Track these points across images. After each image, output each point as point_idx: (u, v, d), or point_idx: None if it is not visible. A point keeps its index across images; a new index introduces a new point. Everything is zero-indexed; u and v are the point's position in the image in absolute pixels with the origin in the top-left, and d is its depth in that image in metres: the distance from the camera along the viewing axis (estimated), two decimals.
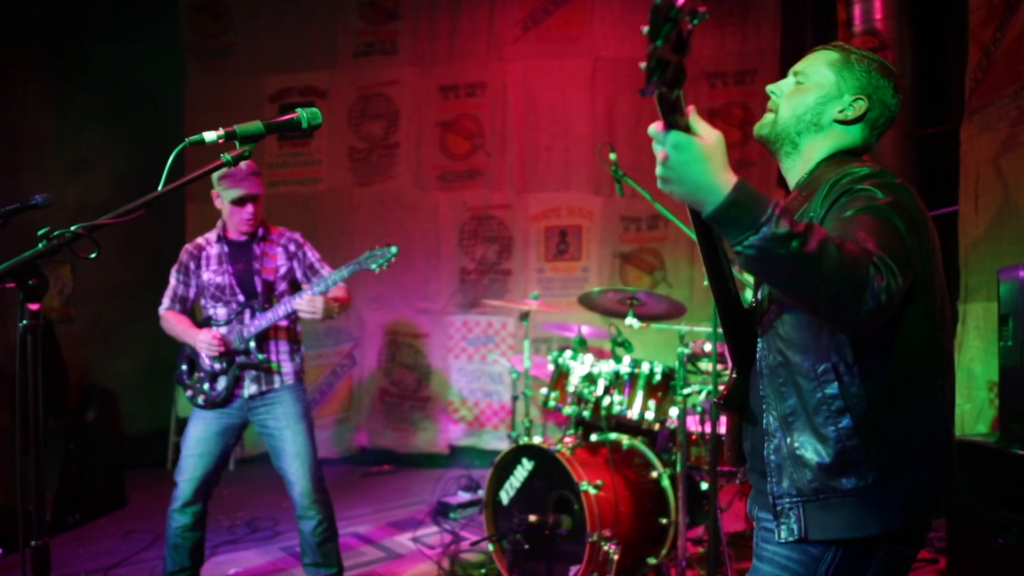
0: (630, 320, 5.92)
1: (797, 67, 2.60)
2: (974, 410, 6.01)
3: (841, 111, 2.51)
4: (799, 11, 8.60)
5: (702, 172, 1.91)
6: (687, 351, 5.70)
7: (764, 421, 2.41)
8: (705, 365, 6.00)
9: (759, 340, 2.46)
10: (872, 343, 2.24)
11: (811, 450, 2.28)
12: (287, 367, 5.15)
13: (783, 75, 2.69)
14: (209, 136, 2.67)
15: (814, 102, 2.53)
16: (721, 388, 2.65)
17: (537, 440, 5.77)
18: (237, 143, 2.74)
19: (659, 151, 1.92)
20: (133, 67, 10.24)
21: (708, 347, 5.74)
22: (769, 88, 2.62)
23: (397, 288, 9.54)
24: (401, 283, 9.51)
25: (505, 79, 9.43)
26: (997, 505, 4.53)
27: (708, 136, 1.93)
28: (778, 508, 2.37)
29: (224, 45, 10.06)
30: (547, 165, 9.35)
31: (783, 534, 2.36)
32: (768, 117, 2.60)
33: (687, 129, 1.90)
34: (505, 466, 5.82)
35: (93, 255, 2.48)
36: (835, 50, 2.58)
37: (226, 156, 2.76)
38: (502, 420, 9.29)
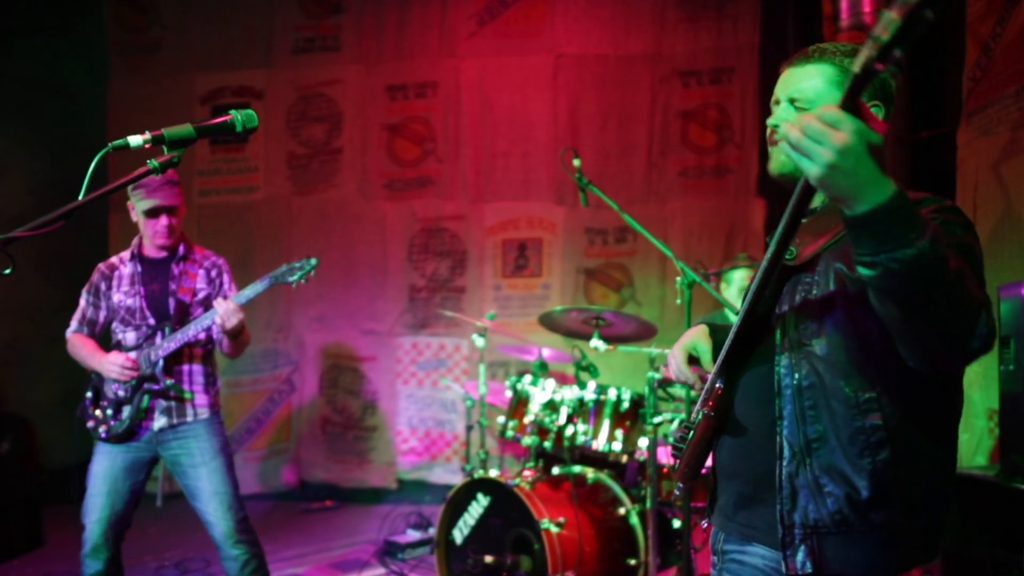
0: (595, 342, 5.89)
1: (790, 92, 2.57)
2: (972, 440, 5.98)
3: None
4: (780, 4, 8.62)
5: (872, 168, 1.87)
6: (658, 376, 5.66)
7: (777, 443, 2.39)
8: (677, 391, 6.04)
9: (777, 356, 2.44)
10: (916, 378, 2.24)
11: (840, 480, 2.29)
12: (201, 398, 5.06)
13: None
14: (134, 140, 2.62)
15: None
16: (708, 399, 2.62)
17: (494, 473, 5.79)
18: (165, 148, 2.70)
19: (831, 135, 1.84)
20: (50, 65, 10.06)
21: None
22: (772, 122, 2.59)
23: (340, 307, 9.51)
24: (344, 301, 9.47)
25: (458, 78, 9.42)
26: (997, 544, 4.49)
27: (874, 133, 1.89)
28: (788, 538, 2.36)
29: (151, 41, 10.01)
30: (504, 172, 9.35)
31: (795, 565, 2.35)
32: (784, 150, 2.50)
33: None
34: (459, 502, 5.80)
35: (7, 271, 2.45)
36: (826, 63, 2.54)
37: (153, 162, 2.71)
38: (455, 451, 9.26)
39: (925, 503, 2.30)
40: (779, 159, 2.55)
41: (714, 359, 2.70)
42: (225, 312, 4.72)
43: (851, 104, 1.83)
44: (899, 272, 1.89)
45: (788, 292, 2.47)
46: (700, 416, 2.60)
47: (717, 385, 2.58)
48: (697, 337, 2.82)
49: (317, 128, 9.72)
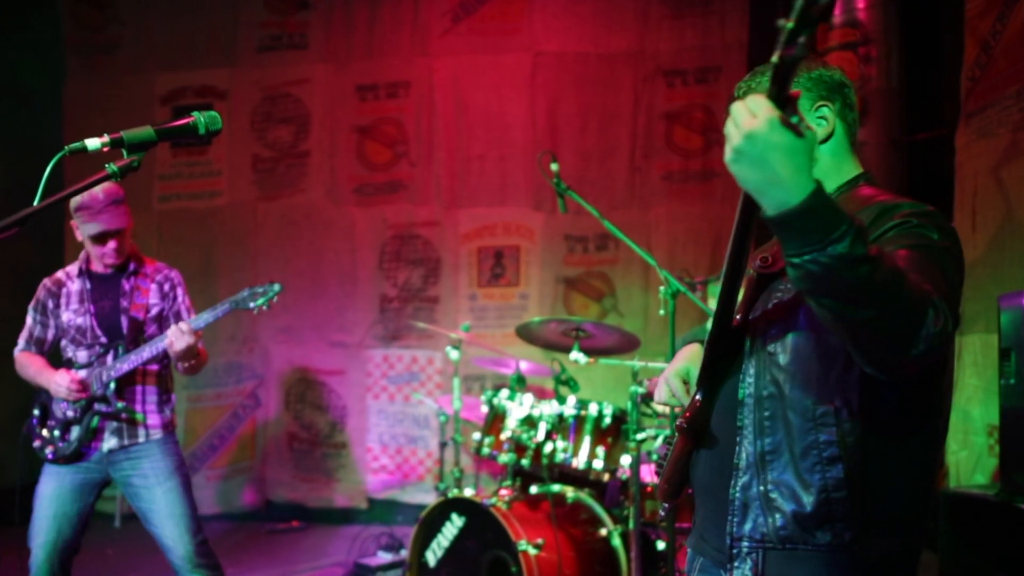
0: (576, 355, 5.86)
1: None
2: (971, 458, 6.01)
3: (815, 131, 2.50)
4: (769, 0, 8.45)
5: (787, 163, 1.89)
6: (641, 390, 5.63)
7: (735, 455, 2.42)
8: (661, 407, 5.84)
9: (745, 363, 2.46)
10: (883, 392, 2.26)
11: (788, 495, 2.30)
12: (154, 419, 5.03)
13: None
14: (92, 143, 2.60)
15: None
16: (685, 411, 2.63)
17: (469, 493, 5.81)
18: (124, 151, 2.67)
19: (744, 119, 1.90)
20: (3, 64, 9.98)
21: None
22: None
23: (308, 318, 9.47)
24: (312, 312, 9.44)
25: (432, 78, 9.40)
26: (997, 567, 4.51)
27: (803, 130, 1.91)
28: (735, 550, 2.38)
29: (109, 39, 9.95)
30: (480, 176, 9.33)
31: None
32: None
33: (786, 111, 1.89)
34: (432, 522, 5.80)
35: None
36: (761, 81, 2.59)
37: (112, 167, 2.68)
38: (428, 470, 9.22)
39: (886, 527, 2.29)
40: None
41: None
42: (175, 333, 4.69)
43: (775, 92, 1.87)
44: (820, 273, 1.91)
45: (762, 300, 2.49)
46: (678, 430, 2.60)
47: (697, 398, 2.57)
48: (691, 360, 2.78)
49: (283, 130, 9.68)
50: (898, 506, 2.30)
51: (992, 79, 6.04)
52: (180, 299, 5.16)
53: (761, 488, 2.34)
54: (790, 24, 1.77)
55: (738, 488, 2.39)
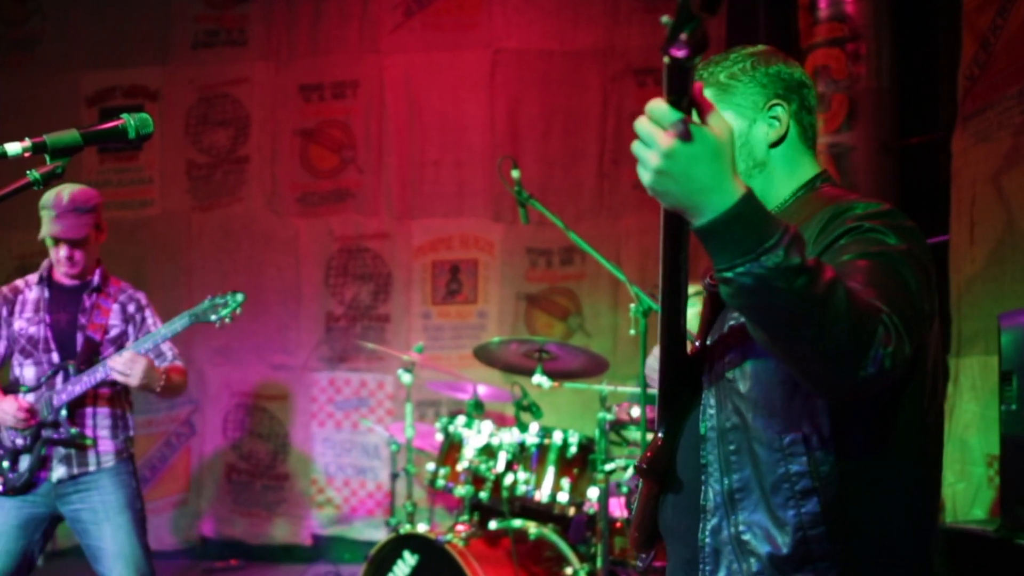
0: (538, 378, 5.90)
1: None
2: (969, 490, 5.93)
3: (766, 134, 2.51)
4: None
5: (711, 171, 1.84)
6: (610, 417, 5.65)
7: (702, 495, 2.38)
8: (632, 434, 6.00)
9: (705, 394, 2.42)
10: (855, 414, 2.21)
11: (761, 536, 2.25)
12: (106, 444, 5.00)
13: None
14: (12, 148, 2.54)
15: (736, 147, 2.40)
16: (646, 451, 2.58)
17: (422, 529, 5.86)
18: (48, 157, 2.59)
19: (657, 137, 1.83)
20: None
21: (636, 412, 5.69)
22: None
23: (247, 338, 9.37)
24: (252, 332, 9.32)
25: (382, 76, 9.36)
26: None
27: (720, 127, 1.87)
28: None
29: (30, 34, 9.87)
30: (435, 184, 9.30)
31: None
32: None
33: (691, 114, 1.84)
34: (382, 561, 5.82)
35: None
36: (714, 72, 2.57)
37: (34, 173, 2.60)
38: (378, 503, 9.15)
39: (878, 564, 2.24)
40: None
41: None
42: (124, 366, 4.67)
43: (675, 99, 1.80)
44: (752, 288, 1.86)
45: (719, 321, 2.46)
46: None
47: (658, 435, 2.52)
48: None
49: (220, 134, 9.62)
50: (889, 539, 2.24)
51: (992, 78, 6.01)
52: (151, 322, 5.20)
53: (732, 531, 2.29)
54: (668, 20, 1.72)
55: (707, 532, 2.35)
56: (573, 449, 5.93)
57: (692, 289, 6.93)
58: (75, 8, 9.76)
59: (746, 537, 2.26)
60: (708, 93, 2.49)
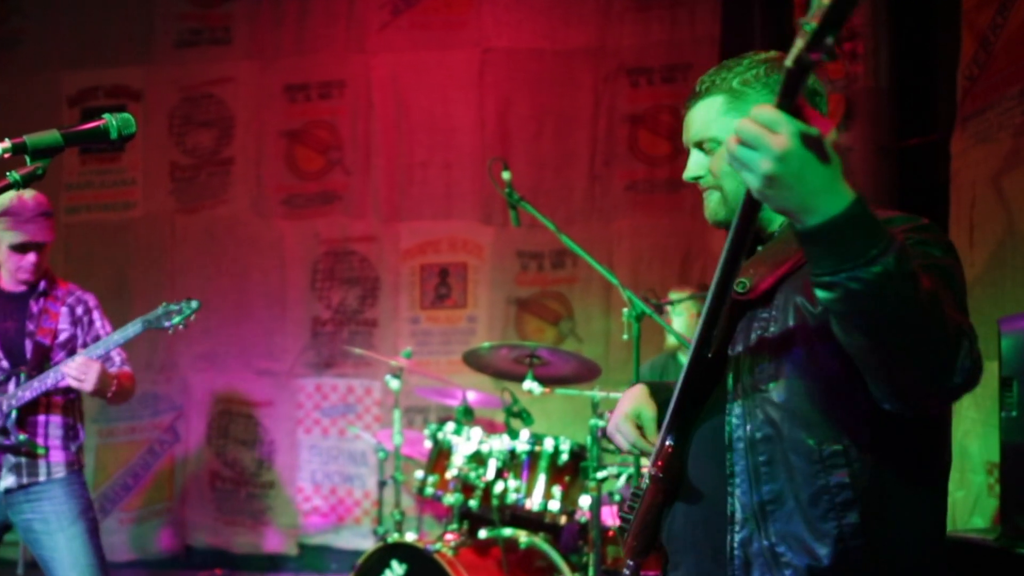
0: (529, 384, 5.89)
1: (693, 136, 2.63)
2: (968, 499, 5.93)
3: None
4: None
5: (824, 174, 1.83)
6: (602, 423, 5.58)
7: (728, 506, 2.35)
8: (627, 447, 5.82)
9: (731, 404, 2.39)
10: (891, 426, 2.19)
11: (799, 548, 2.24)
12: (58, 454, 4.97)
13: None
14: None
15: None
16: (657, 459, 2.55)
17: (410, 537, 5.84)
18: (28, 158, 2.60)
19: (768, 139, 1.81)
20: None
21: None
22: (690, 176, 2.65)
23: (231, 343, 9.39)
24: (237, 337, 9.36)
25: (369, 76, 9.35)
26: None
27: (823, 134, 1.85)
28: None
29: (10, 33, 9.83)
30: (423, 186, 9.29)
31: None
32: (715, 197, 2.60)
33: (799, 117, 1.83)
34: (369, 570, 5.78)
35: None
36: (714, 93, 2.58)
37: (13, 175, 2.62)
38: (366, 511, 9.12)
39: (907, 574, 2.25)
40: (710, 206, 2.61)
41: (659, 423, 2.66)
42: (78, 371, 4.63)
43: (787, 103, 1.81)
44: (861, 293, 1.85)
45: (743, 330, 2.43)
46: (648, 480, 2.54)
47: (667, 443, 2.49)
48: (639, 402, 2.76)
49: (204, 134, 9.60)
50: (915, 552, 2.26)
51: (992, 78, 6.00)
52: (98, 324, 5.15)
53: (765, 543, 2.27)
54: (813, 24, 1.67)
55: (736, 544, 2.32)
56: (564, 456, 5.92)
57: (679, 295, 6.99)
58: (56, 6, 9.74)
59: (780, 549, 2.26)
60: (720, 100, 2.53)
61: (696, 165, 2.60)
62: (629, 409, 2.72)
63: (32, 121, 7.90)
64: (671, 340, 6.95)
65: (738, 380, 2.38)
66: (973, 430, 5.84)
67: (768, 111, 1.80)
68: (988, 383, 5.53)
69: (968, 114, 6.15)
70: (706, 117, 2.56)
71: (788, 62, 1.74)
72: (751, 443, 2.32)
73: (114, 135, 2.70)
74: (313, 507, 9.23)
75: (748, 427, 2.33)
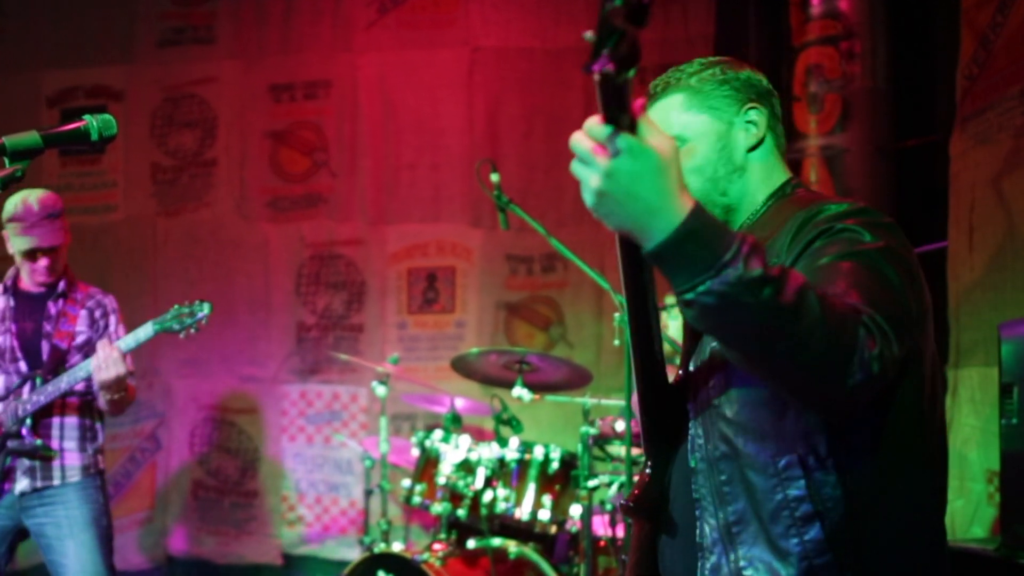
0: (519, 390, 5.89)
1: None
2: (968, 507, 5.92)
3: (744, 139, 2.53)
4: None
5: (655, 190, 1.80)
6: (593, 431, 5.58)
7: (697, 532, 2.35)
8: (616, 449, 5.88)
9: (692, 424, 2.40)
10: (851, 430, 2.18)
11: (764, 570, 2.21)
12: (73, 457, 5.01)
13: None
14: None
15: (716, 151, 2.55)
16: (633, 489, 2.57)
17: (397, 547, 5.89)
18: (7, 160, 2.58)
19: (595, 155, 1.82)
20: None
21: (620, 426, 5.61)
22: None
23: (215, 349, 9.32)
24: (220, 342, 9.27)
25: (356, 76, 9.33)
26: None
27: (662, 143, 1.82)
28: None
29: None
30: (411, 188, 9.27)
31: None
32: None
33: (634, 130, 1.79)
34: None
35: None
36: (672, 92, 2.59)
37: None
38: (352, 521, 9.08)
39: None
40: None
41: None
42: (105, 359, 4.66)
43: (614, 114, 1.78)
44: (717, 306, 1.84)
45: (699, 348, 2.44)
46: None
47: (645, 471, 2.52)
48: None
49: (187, 135, 9.57)
50: (903, 556, 2.21)
51: (992, 78, 6.00)
52: (113, 328, 5.19)
53: (731, 567, 2.26)
54: (591, 36, 1.73)
55: (708, 571, 2.32)
56: (555, 465, 5.91)
57: (673, 300, 7.00)
58: (36, 4, 9.71)
59: (747, 573, 2.22)
60: (680, 98, 2.54)
61: None
62: None
63: (11, 122, 7.88)
64: (665, 345, 6.92)
65: (695, 397, 2.39)
66: (972, 437, 5.84)
67: (597, 125, 1.80)
68: (988, 389, 5.62)
69: (968, 114, 6.15)
70: (666, 117, 2.55)
71: (595, 77, 1.73)
72: (711, 463, 2.31)
73: (95, 137, 2.69)
74: (298, 516, 9.20)
75: (708, 446, 2.32)
